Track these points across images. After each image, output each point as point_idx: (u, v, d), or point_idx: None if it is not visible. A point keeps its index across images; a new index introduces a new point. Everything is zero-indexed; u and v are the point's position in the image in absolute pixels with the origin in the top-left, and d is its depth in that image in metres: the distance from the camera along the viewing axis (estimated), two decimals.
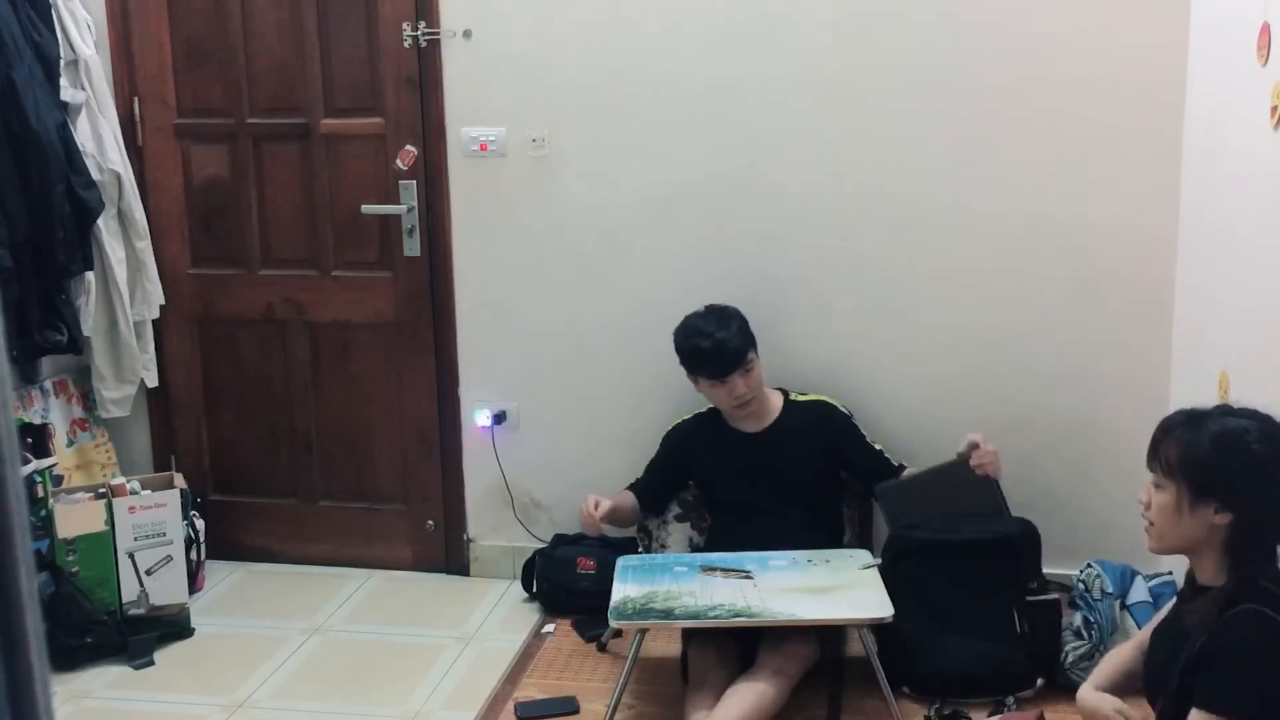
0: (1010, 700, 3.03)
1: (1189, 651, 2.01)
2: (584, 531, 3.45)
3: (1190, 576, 2.17)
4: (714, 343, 3.26)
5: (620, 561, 3.18)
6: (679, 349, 3.34)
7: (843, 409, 3.40)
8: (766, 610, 2.88)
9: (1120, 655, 2.36)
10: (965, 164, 3.46)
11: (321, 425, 3.97)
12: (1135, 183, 3.38)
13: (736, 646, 3.05)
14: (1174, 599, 2.33)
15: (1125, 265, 3.43)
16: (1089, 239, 3.43)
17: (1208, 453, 2.03)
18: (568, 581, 3.56)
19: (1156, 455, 2.11)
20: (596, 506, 3.26)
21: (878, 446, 3.39)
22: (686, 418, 3.50)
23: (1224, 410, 2.12)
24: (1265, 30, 2.64)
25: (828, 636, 3.13)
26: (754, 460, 3.32)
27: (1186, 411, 2.13)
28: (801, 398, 3.42)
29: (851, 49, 3.45)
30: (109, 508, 3.42)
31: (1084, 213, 3.42)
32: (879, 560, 3.13)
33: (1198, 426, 2.07)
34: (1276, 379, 2.57)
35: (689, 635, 3.13)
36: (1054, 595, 3.21)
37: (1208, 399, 2.97)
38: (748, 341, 3.29)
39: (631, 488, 3.50)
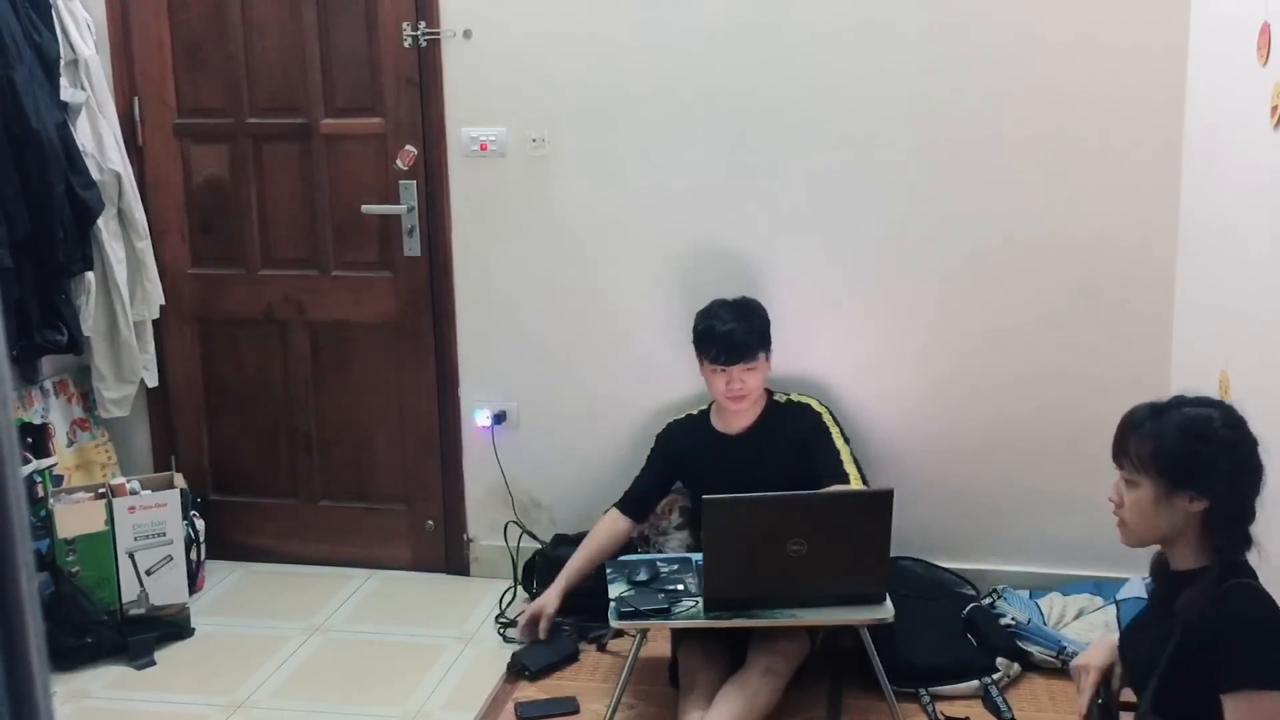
0: (988, 680, 3.12)
1: (1183, 636, 2.01)
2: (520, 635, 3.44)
3: (1162, 565, 2.18)
4: (728, 329, 3.29)
5: (609, 563, 3.18)
6: (695, 327, 3.36)
7: (820, 409, 3.36)
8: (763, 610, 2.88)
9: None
10: (966, 165, 3.46)
11: (321, 425, 3.97)
12: (1135, 183, 3.38)
13: (726, 647, 3.05)
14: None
15: (1125, 265, 3.43)
16: (1090, 239, 3.43)
17: (1177, 443, 2.04)
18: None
19: (1125, 452, 2.11)
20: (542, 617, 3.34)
21: (842, 451, 3.28)
22: (679, 418, 3.51)
23: (1181, 401, 2.12)
24: (1265, 30, 2.65)
25: (818, 631, 3.13)
26: (733, 461, 3.32)
27: (1147, 405, 2.13)
28: (782, 399, 3.41)
29: (852, 51, 3.45)
30: (109, 508, 3.42)
31: (1084, 212, 3.42)
32: None
33: (1161, 418, 2.08)
34: (1277, 379, 2.57)
35: (677, 637, 3.14)
36: (985, 601, 3.45)
37: None
38: (761, 340, 3.31)
39: (619, 505, 3.47)
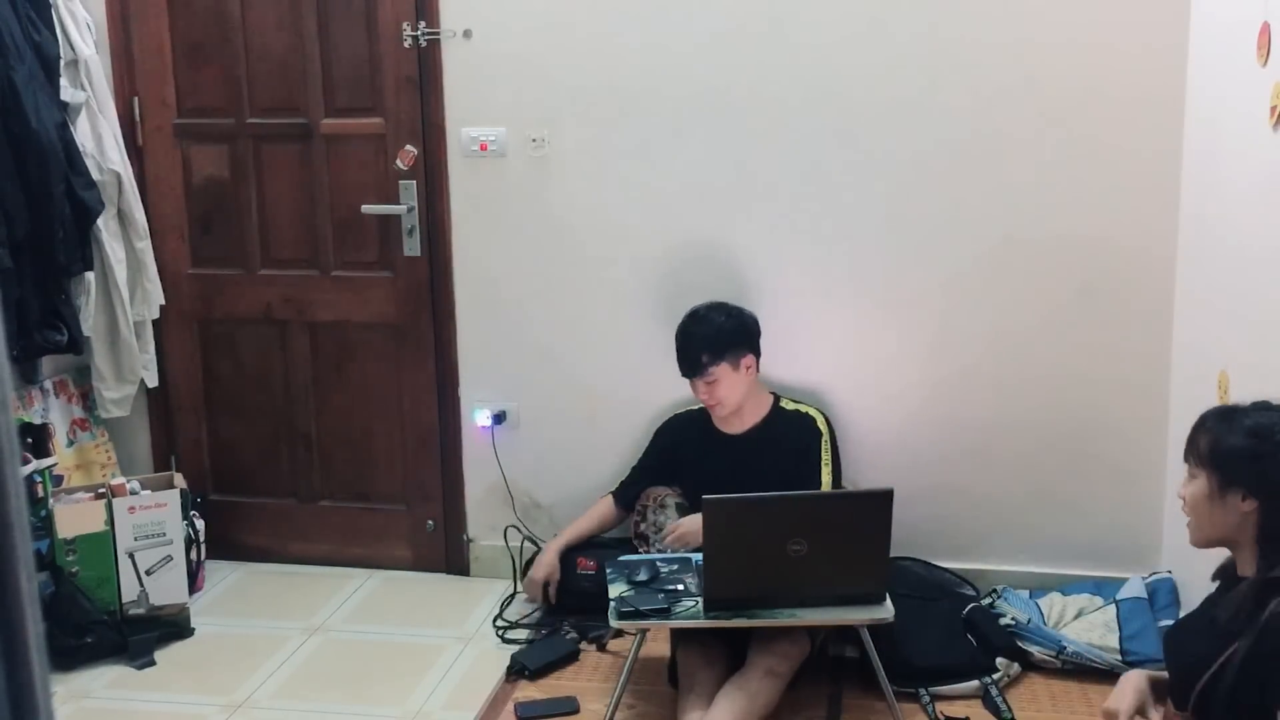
0: (988, 680, 3.12)
1: (1244, 649, 2.00)
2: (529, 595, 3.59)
3: (1230, 570, 2.20)
4: (682, 340, 3.29)
5: (609, 563, 3.18)
6: None
7: (822, 425, 3.32)
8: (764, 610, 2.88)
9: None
10: (966, 166, 3.46)
11: (321, 425, 3.97)
12: (1135, 184, 3.38)
13: (725, 647, 3.05)
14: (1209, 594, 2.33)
15: (1126, 266, 3.43)
16: (1090, 239, 3.43)
17: (1234, 441, 2.09)
18: (568, 581, 3.55)
19: (1192, 446, 2.17)
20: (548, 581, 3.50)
21: (826, 475, 3.26)
22: (680, 413, 3.52)
23: (1261, 406, 2.16)
24: (1265, 30, 2.65)
25: (818, 631, 3.12)
26: (730, 462, 3.31)
27: (1225, 407, 2.19)
28: (789, 406, 3.39)
29: (852, 52, 3.45)
30: (109, 508, 3.42)
31: (1084, 212, 3.42)
32: None
33: (1230, 419, 2.13)
34: (1276, 379, 2.57)
35: (677, 637, 3.14)
36: (985, 601, 3.43)
37: (1207, 399, 2.99)
38: (718, 352, 3.22)
39: (614, 494, 3.57)
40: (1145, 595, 3.31)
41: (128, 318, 3.76)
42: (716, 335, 3.25)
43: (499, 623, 3.58)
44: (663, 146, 3.58)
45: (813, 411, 3.37)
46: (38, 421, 3.63)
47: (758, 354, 3.33)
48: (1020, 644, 3.23)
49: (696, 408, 3.44)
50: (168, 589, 3.51)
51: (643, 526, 3.57)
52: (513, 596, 3.72)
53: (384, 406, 3.92)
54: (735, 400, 3.28)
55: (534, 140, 3.63)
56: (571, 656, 3.36)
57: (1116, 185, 3.39)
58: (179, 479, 3.70)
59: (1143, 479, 3.48)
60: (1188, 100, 3.28)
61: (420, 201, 3.74)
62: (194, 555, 3.74)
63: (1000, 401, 3.55)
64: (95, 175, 3.61)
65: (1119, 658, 3.15)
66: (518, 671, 3.29)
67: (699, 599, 2.90)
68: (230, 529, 4.03)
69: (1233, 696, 2.01)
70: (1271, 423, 2.08)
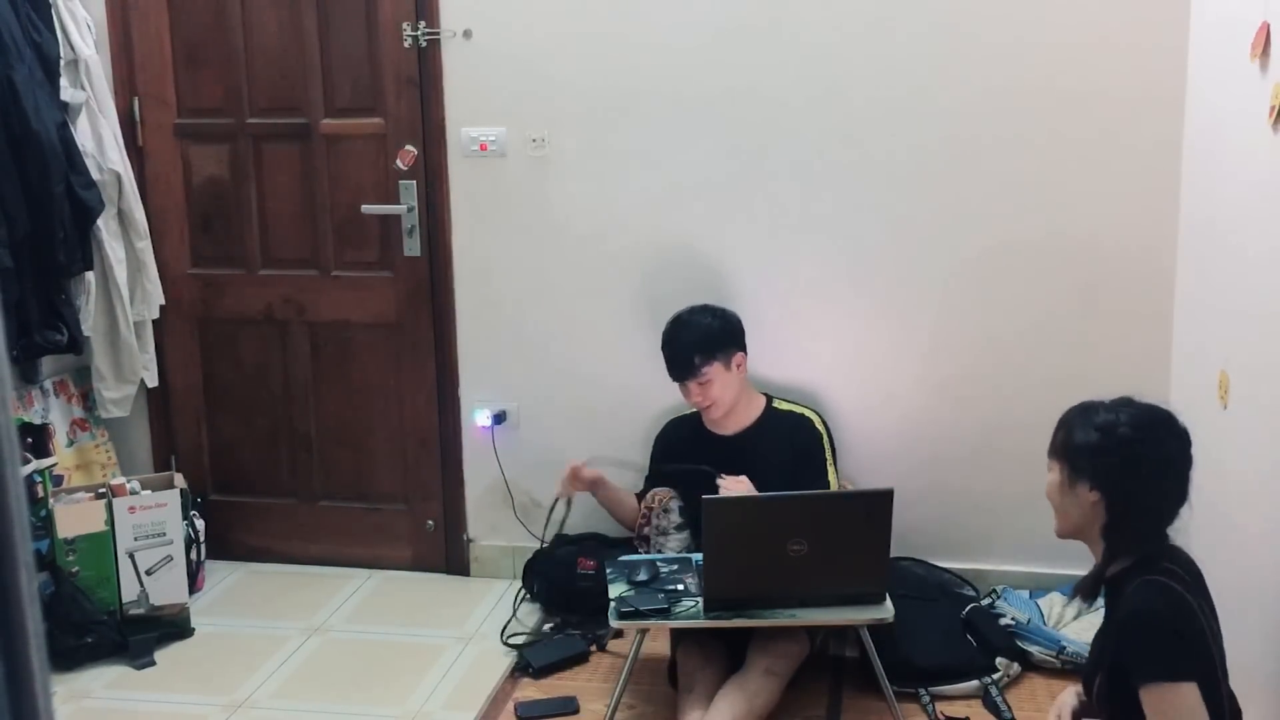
0: (988, 680, 3.13)
1: (1109, 645, 2.13)
2: (560, 491, 3.49)
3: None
4: (671, 344, 3.28)
5: (609, 563, 3.17)
6: None
7: (819, 426, 3.31)
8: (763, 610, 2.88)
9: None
10: (967, 166, 3.46)
11: (321, 425, 3.97)
12: (1135, 184, 3.38)
13: (724, 647, 3.05)
14: None
15: (1125, 265, 3.43)
16: (1090, 240, 3.43)
17: (1082, 436, 2.18)
18: (568, 581, 3.56)
19: (1052, 440, 2.27)
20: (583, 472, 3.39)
21: (831, 476, 3.25)
22: (674, 417, 3.51)
23: (1121, 402, 2.23)
24: (1264, 30, 2.64)
25: (817, 631, 3.12)
26: (725, 463, 3.29)
27: (1087, 403, 2.26)
28: (783, 406, 3.37)
29: (852, 52, 3.45)
30: (109, 508, 3.42)
31: (1084, 213, 3.42)
32: None
33: (1086, 414, 2.21)
34: (1276, 379, 2.57)
35: (676, 637, 3.14)
36: (985, 601, 3.45)
37: (1208, 399, 2.99)
38: (710, 352, 3.22)
39: (637, 496, 3.53)
40: None
41: (128, 318, 3.76)
42: (706, 336, 3.25)
43: (506, 640, 3.53)
44: (663, 146, 3.58)
45: (808, 412, 3.36)
46: (38, 421, 3.63)
47: (746, 351, 3.33)
48: (1020, 644, 3.24)
49: (690, 411, 3.44)
50: (168, 589, 3.51)
51: (646, 530, 3.56)
52: (517, 598, 3.72)
53: (384, 406, 3.92)
54: (729, 399, 3.28)
55: (534, 140, 3.63)
56: (580, 658, 3.35)
57: (1117, 186, 3.39)
58: (179, 479, 3.70)
59: None
60: (1188, 100, 3.29)
61: (420, 201, 3.74)
62: (194, 555, 3.74)
63: (1000, 401, 3.55)
64: (95, 175, 3.61)
65: None
66: (522, 668, 3.29)
67: (699, 599, 2.90)
68: (230, 529, 4.03)
69: (1112, 688, 2.11)
70: (1118, 420, 2.16)
